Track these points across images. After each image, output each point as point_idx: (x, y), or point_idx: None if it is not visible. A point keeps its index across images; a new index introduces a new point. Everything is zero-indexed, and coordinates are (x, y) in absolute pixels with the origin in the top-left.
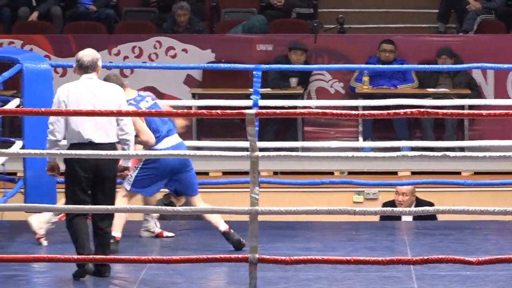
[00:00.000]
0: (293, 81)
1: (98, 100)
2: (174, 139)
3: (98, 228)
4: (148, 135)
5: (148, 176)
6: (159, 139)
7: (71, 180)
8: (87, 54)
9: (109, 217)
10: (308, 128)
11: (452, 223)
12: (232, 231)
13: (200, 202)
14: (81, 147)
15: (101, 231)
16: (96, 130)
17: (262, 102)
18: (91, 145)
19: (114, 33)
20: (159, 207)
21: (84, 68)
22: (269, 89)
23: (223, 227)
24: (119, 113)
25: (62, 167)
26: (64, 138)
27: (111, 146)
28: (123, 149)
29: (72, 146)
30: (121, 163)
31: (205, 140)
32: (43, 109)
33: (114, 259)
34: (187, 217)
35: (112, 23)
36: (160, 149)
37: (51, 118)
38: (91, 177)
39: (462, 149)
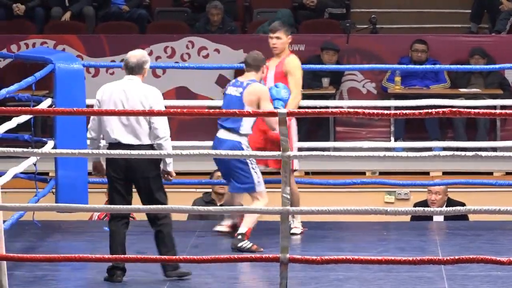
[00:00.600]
0: (325, 81)
1: (129, 101)
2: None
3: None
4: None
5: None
6: None
7: (108, 180)
8: (134, 55)
9: (158, 217)
10: (339, 128)
11: (483, 223)
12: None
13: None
14: (112, 147)
15: (156, 231)
16: (125, 131)
17: None
18: (120, 145)
19: (147, 33)
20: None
21: (129, 69)
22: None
23: (243, 229)
24: (133, 113)
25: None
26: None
27: (142, 148)
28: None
29: (108, 146)
30: (162, 167)
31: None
32: (74, 109)
33: (144, 258)
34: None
35: (145, 23)
36: None
37: (91, 116)
38: (123, 177)
39: (494, 149)
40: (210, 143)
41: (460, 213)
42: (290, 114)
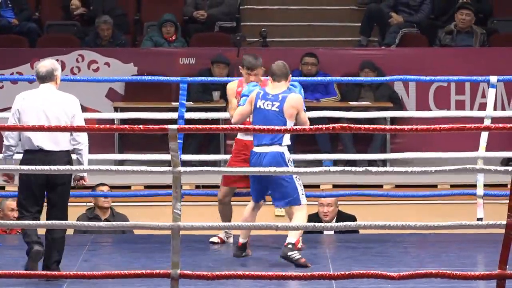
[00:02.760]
0: (216, 94)
1: (51, 109)
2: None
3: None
4: None
5: None
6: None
7: (22, 185)
8: (44, 64)
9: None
10: (230, 142)
11: (373, 236)
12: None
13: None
14: (31, 154)
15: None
16: (47, 138)
17: (186, 115)
18: (42, 152)
19: (37, 47)
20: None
21: (41, 78)
22: (191, 102)
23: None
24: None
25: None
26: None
27: (62, 154)
28: (77, 158)
29: (25, 153)
30: (76, 173)
31: (127, 153)
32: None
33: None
34: (113, 231)
35: (35, 37)
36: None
37: (8, 124)
38: (43, 183)
39: (384, 161)
40: (100, 156)
41: (351, 228)
42: (180, 130)
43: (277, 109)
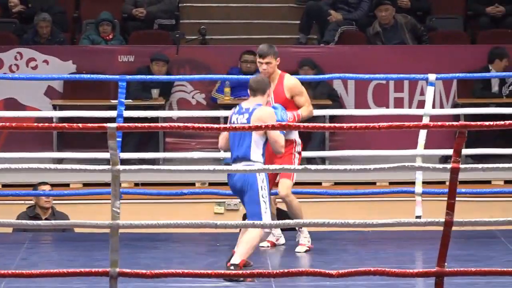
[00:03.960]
0: (155, 92)
1: None
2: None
3: None
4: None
5: None
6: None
7: None
8: None
9: None
10: (169, 139)
11: (312, 233)
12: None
13: None
14: None
15: None
16: None
17: (124, 113)
18: None
19: None
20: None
21: None
22: (130, 100)
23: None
24: None
25: None
26: None
27: None
28: None
29: None
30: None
31: (66, 151)
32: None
33: None
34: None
35: None
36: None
37: None
38: None
39: (323, 159)
40: (39, 154)
41: (290, 226)
42: (119, 128)
43: (245, 121)
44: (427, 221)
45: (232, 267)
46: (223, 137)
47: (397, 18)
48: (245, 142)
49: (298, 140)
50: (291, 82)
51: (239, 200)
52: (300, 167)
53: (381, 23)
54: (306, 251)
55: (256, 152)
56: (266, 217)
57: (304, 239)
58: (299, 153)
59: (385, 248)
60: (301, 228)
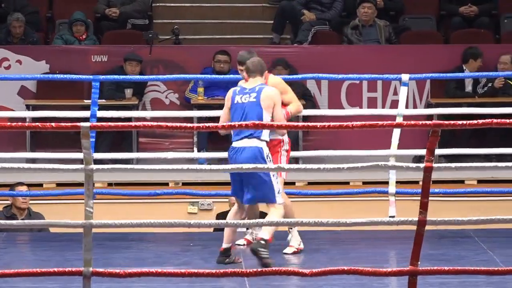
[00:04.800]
0: (128, 92)
1: None
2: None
3: None
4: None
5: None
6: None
7: None
8: None
9: None
10: (143, 139)
11: (284, 233)
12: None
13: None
14: None
15: None
16: None
17: (98, 113)
18: None
19: None
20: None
21: None
22: (104, 100)
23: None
24: None
25: None
26: None
27: None
28: None
29: None
30: None
31: (39, 151)
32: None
33: None
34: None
35: None
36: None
37: None
38: None
39: (296, 159)
40: (12, 154)
41: (263, 225)
42: (93, 127)
43: (255, 100)
44: (401, 220)
45: (262, 241)
46: (221, 118)
47: (377, 21)
48: (254, 120)
49: (286, 139)
50: (275, 81)
51: (212, 200)
52: (274, 166)
53: (361, 19)
54: (293, 253)
55: (266, 132)
56: (280, 199)
57: (294, 241)
58: (287, 151)
59: (359, 248)
60: (291, 228)
